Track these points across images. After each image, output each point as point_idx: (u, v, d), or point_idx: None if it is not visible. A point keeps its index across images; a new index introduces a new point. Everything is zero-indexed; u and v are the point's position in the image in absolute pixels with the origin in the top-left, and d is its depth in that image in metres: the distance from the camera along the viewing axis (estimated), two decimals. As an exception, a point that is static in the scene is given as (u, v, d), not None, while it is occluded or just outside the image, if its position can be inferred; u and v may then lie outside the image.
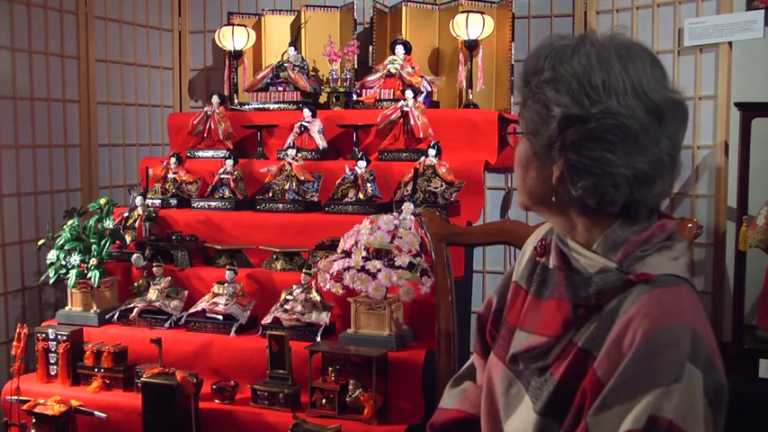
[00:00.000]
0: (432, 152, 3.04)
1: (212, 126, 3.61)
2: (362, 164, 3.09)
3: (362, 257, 2.54)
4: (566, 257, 1.17)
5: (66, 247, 2.93)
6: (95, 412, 2.49)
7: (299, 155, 3.27)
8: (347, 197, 3.12)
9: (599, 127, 1.05)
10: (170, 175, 3.43)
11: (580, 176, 1.07)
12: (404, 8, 3.82)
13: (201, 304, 2.82)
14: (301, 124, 3.45)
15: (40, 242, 3.09)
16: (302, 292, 2.71)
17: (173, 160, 3.43)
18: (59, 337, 2.72)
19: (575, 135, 1.06)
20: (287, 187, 3.21)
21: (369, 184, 3.09)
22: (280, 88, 3.72)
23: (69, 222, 2.99)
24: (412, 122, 3.29)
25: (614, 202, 1.08)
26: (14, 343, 2.68)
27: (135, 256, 2.97)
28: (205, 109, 3.65)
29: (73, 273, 2.89)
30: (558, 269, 1.17)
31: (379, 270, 2.51)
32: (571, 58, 1.08)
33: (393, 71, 3.58)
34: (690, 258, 1.15)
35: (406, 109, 3.31)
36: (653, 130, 1.06)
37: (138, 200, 3.21)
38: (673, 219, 1.17)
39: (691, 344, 1.01)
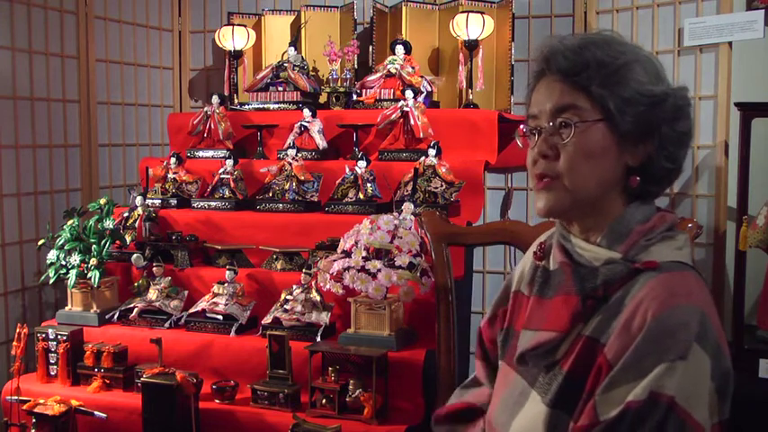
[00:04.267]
0: (432, 152, 3.04)
1: (212, 126, 3.61)
2: (362, 164, 3.09)
3: (362, 257, 2.54)
4: (570, 253, 1.18)
5: (66, 247, 2.93)
6: (95, 412, 2.49)
7: (299, 155, 3.27)
8: (347, 197, 3.12)
9: (680, 101, 1.15)
10: (170, 175, 3.43)
11: (671, 150, 1.16)
12: (404, 8, 3.82)
13: (201, 304, 2.82)
14: (301, 124, 3.45)
15: (40, 242, 3.09)
16: (302, 292, 2.71)
17: (173, 160, 3.43)
18: (59, 337, 2.72)
19: (668, 111, 1.14)
20: (287, 187, 3.21)
21: (369, 184, 3.09)
22: (280, 88, 3.72)
23: (69, 222, 2.99)
24: (412, 122, 3.29)
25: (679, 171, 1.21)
26: (14, 343, 2.68)
27: (135, 256, 2.97)
28: (205, 109, 3.65)
29: (73, 273, 2.89)
30: (565, 265, 1.18)
31: (379, 270, 2.51)
32: (625, 43, 1.16)
33: (393, 71, 3.57)
34: (692, 250, 1.18)
35: (406, 109, 3.31)
36: None
37: (138, 200, 3.21)
38: (671, 212, 1.21)
39: (699, 325, 1.03)
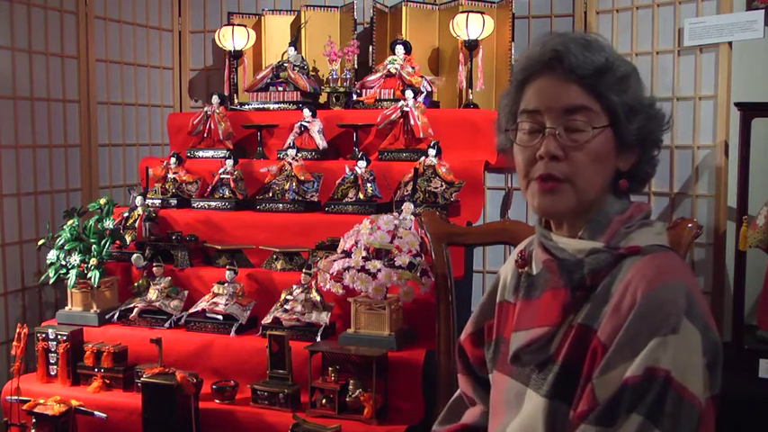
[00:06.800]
0: (432, 152, 3.04)
1: (212, 126, 3.61)
2: (362, 164, 3.09)
3: (362, 257, 2.54)
4: (552, 251, 1.19)
5: (66, 247, 2.93)
6: (95, 412, 2.49)
7: (299, 155, 3.27)
8: (347, 197, 3.12)
9: (663, 110, 1.20)
10: (170, 175, 3.43)
11: (655, 156, 1.21)
12: (404, 8, 3.82)
13: (201, 304, 2.82)
14: (301, 124, 3.45)
15: (40, 242, 3.09)
16: (302, 292, 2.71)
17: (173, 160, 3.43)
18: (59, 337, 2.72)
19: (659, 120, 1.19)
20: (287, 187, 3.21)
21: (369, 184, 3.09)
22: (280, 88, 3.72)
23: (69, 222, 2.99)
24: (412, 122, 3.29)
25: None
26: (14, 343, 2.68)
27: (135, 256, 2.97)
28: (205, 109, 3.65)
29: (73, 273, 2.89)
30: (549, 262, 1.19)
31: (379, 270, 2.51)
32: (613, 48, 1.18)
33: (393, 71, 3.57)
34: (668, 237, 1.22)
35: (406, 109, 3.31)
36: None
37: (138, 200, 3.21)
38: (645, 203, 1.26)
39: (686, 300, 1.05)
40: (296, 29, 4.08)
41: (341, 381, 2.39)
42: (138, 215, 3.17)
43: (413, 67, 3.58)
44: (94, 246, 2.92)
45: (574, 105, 1.13)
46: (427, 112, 3.35)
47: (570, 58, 1.13)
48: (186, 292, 2.95)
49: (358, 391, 2.35)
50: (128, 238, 3.11)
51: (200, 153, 3.62)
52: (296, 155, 3.24)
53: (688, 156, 3.34)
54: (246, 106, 3.81)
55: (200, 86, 4.40)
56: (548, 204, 1.16)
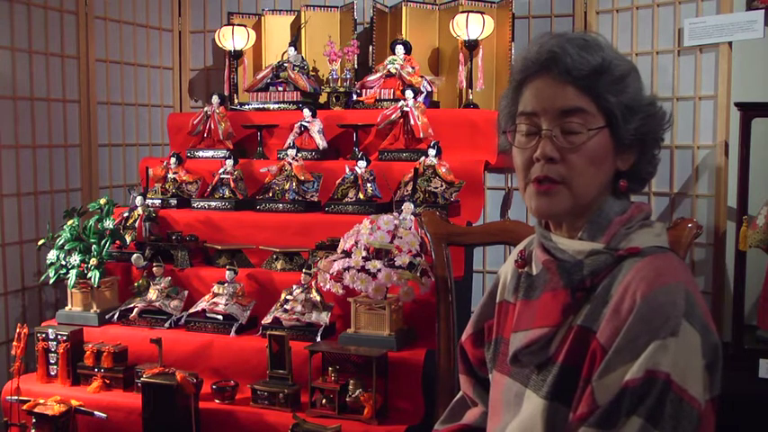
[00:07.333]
0: (432, 152, 3.04)
1: (212, 126, 3.61)
2: (362, 164, 3.09)
3: (362, 257, 2.54)
4: (552, 252, 1.19)
5: (66, 247, 2.93)
6: (95, 412, 2.49)
7: (299, 155, 3.27)
8: (347, 197, 3.12)
9: (663, 108, 1.19)
10: (170, 175, 3.43)
11: (655, 155, 1.20)
12: (404, 8, 3.82)
13: (201, 304, 2.82)
14: (301, 124, 3.45)
15: (40, 242, 3.09)
16: (302, 292, 2.71)
17: (173, 160, 3.43)
18: (59, 337, 2.72)
19: (659, 118, 1.18)
20: (287, 187, 3.21)
21: (369, 184, 3.09)
22: (280, 88, 3.73)
23: (69, 222, 2.99)
24: (412, 122, 3.29)
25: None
26: (14, 343, 2.68)
27: (135, 256, 2.97)
28: (205, 109, 3.65)
29: (73, 273, 2.89)
30: (549, 262, 1.19)
31: (379, 270, 2.51)
32: (613, 47, 1.18)
33: (393, 71, 3.58)
34: (668, 237, 1.22)
35: (406, 109, 3.31)
36: None
37: (138, 200, 3.21)
38: (646, 203, 1.25)
39: (685, 302, 1.05)
40: (296, 29, 4.08)
41: (341, 381, 2.39)
42: (138, 215, 3.17)
43: (413, 67, 3.58)
44: (94, 246, 2.93)
45: (569, 107, 1.13)
46: (427, 112, 3.35)
47: (566, 59, 1.12)
48: (186, 292, 2.95)
49: (358, 391, 2.35)
50: (128, 238, 3.11)
51: (200, 153, 3.62)
52: (296, 155, 3.24)
53: (688, 156, 3.34)
54: (246, 106, 3.81)
55: (200, 86, 4.40)
56: (544, 206, 1.16)
